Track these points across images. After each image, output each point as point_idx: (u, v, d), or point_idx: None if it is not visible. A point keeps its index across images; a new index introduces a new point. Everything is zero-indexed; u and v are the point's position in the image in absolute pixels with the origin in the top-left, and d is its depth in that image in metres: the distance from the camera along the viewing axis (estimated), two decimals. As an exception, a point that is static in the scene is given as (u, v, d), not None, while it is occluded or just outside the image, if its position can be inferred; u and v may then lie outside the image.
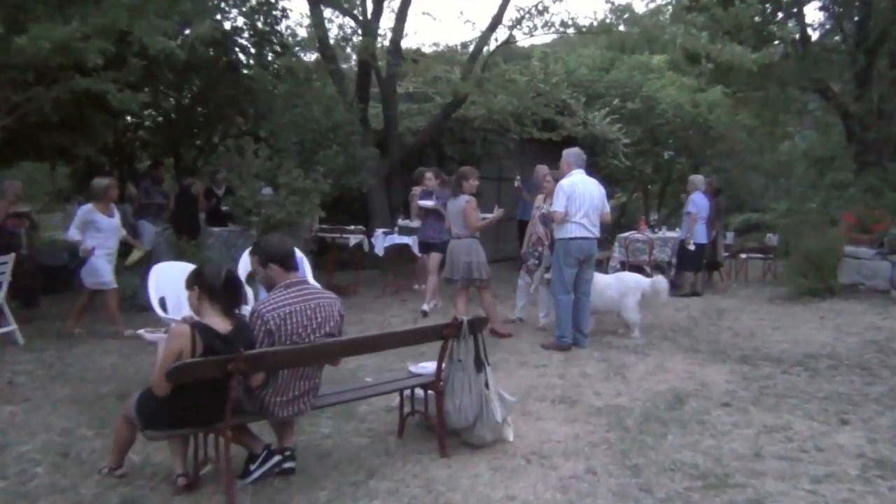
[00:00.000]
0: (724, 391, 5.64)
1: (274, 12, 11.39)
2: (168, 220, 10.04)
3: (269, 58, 12.03)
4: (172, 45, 7.51)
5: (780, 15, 13.00)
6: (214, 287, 3.56)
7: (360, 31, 10.46)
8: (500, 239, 13.00)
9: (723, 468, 4.09)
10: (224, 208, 9.87)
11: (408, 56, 12.61)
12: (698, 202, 10.45)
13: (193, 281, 3.64)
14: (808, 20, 13.00)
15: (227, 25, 12.82)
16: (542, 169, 9.93)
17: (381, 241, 9.41)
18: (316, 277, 10.33)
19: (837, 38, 13.25)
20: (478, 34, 11.76)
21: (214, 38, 12.86)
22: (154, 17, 7.45)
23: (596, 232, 7.03)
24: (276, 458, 3.85)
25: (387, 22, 12.30)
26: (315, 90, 8.87)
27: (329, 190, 8.82)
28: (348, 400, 4.18)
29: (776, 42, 13.11)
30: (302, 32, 12.65)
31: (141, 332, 5.01)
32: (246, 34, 13.02)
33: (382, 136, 12.84)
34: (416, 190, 9.24)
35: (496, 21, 11.77)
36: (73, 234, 7.30)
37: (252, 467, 3.83)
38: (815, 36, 13.56)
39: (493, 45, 11.96)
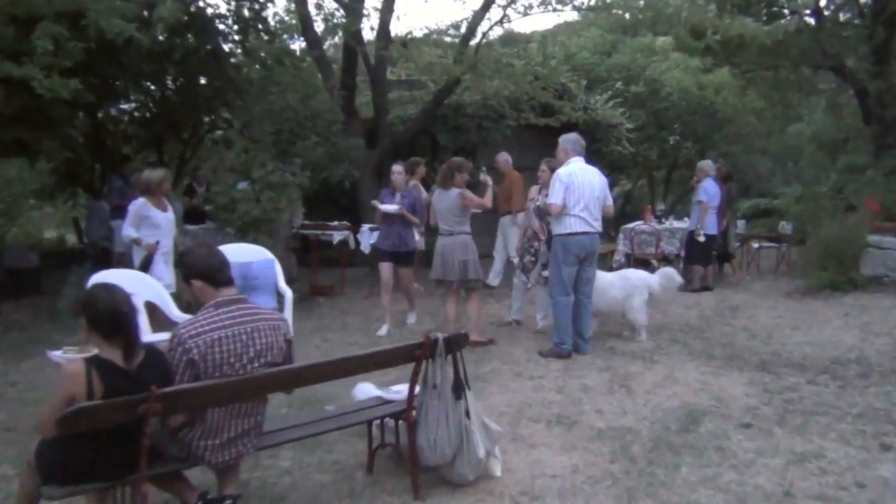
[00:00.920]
0: (743, 407, 4.97)
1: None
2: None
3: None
4: (130, 27, 6.82)
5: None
6: (100, 319, 2.89)
7: (343, 12, 9.73)
8: (492, 233, 12.30)
9: (749, 513, 3.43)
10: (198, 204, 9.22)
11: (397, 41, 11.90)
12: (709, 190, 9.74)
13: (80, 310, 2.97)
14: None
15: (209, 12, 12.20)
16: (503, 156, 9.47)
17: (368, 237, 8.73)
18: (301, 276, 9.75)
19: (850, 13, 12.45)
20: (470, 14, 11.01)
21: (193, 25, 12.28)
22: (109, -2, 6.79)
23: (597, 226, 6.34)
24: (215, 509, 3.21)
25: (374, 1, 11.61)
26: (291, 75, 8.13)
27: (308, 184, 8.15)
28: (300, 438, 3.52)
29: (786, 18, 12.34)
30: (291, 20, 11.96)
31: (55, 354, 3.95)
32: (230, 20, 12.38)
33: (372, 126, 12.15)
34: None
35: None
36: (129, 231, 6.52)
37: (185, 522, 3.19)
38: (827, 12, 12.72)
39: (486, 26, 11.21)
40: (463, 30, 11.36)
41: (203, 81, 13.24)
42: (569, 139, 6.48)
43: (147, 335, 4.64)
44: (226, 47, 12.14)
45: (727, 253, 10.78)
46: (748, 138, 20.83)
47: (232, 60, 12.43)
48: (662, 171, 22.44)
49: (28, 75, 6.45)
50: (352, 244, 9.10)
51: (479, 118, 11.84)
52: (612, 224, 16.58)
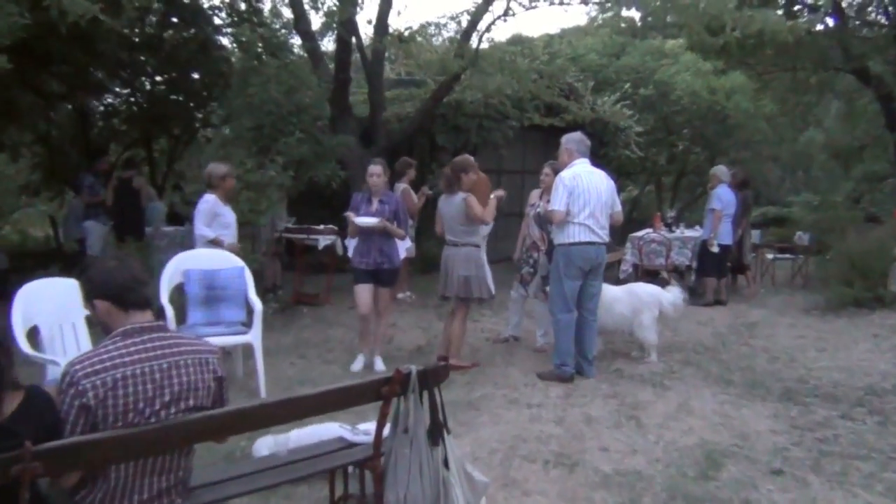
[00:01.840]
0: (770, 448, 4.31)
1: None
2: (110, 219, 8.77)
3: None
4: (94, 9, 6.20)
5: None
6: None
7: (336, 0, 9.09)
8: (499, 237, 11.64)
9: None
10: (157, 204, 8.61)
11: (395, 35, 11.30)
12: (723, 197, 9.10)
13: None
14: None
15: (204, 3, 11.64)
16: (467, 159, 8.42)
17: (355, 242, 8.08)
18: (286, 282, 9.13)
19: (878, 12, 11.78)
20: (472, 6, 10.37)
21: (182, 15, 11.70)
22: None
23: (604, 235, 5.70)
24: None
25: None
26: (275, 67, 7.49)
27: (290, 183, 7.52)
28: (240, 494, 2.87)
29: (804, 18, 11.66)
30: (288, 13, 11.35)
31: None
32: (223, 13, 11.82)
33: (368, 124, 11.53)
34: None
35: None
36: (204, 231, 6.00)
37: None
38: (849, 11, 12.06)
39: (490, 20, 10.57)
40: (464, 23, 10.73)
41: (196, 76, 12.73)
42: (572, 139, 5.83)
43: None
44: (224, 41, 11.61)
45: (742, 264, 10.11)
46: (759, 145, 20.22)
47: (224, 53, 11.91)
48: (671, 176, 21.81)
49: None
50: (339, 250, 8.46)
51: (479, 118, 11.19)
52: (620, 231, 16.00)
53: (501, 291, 7.89)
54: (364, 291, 5.98)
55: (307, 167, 7.94)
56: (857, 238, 8.74)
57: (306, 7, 10.01)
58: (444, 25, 10.26)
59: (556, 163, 6.15)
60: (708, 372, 5.99)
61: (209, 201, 6.09)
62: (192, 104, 12.99)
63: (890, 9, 11.37)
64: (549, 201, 5.83)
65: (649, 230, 10.12)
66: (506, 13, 10.18)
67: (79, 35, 8.02)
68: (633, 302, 6.28)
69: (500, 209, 6.56)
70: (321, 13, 8.59)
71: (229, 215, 6.17)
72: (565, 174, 5.61)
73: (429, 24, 10.19)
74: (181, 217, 8.98)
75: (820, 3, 11.76)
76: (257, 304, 5.39)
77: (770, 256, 11.92)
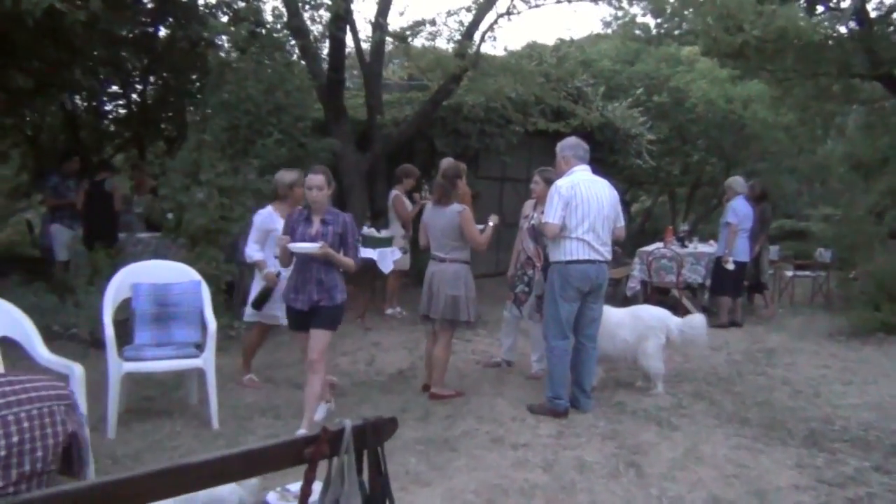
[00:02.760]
0: (794, 509, 3.66)
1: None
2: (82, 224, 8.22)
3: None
4: (52, -1, 5.66)
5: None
6: None
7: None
8: (501, 248, 11.02)
9: None
10: (138, 211, 8.04)
11: (395, 35, 10.74)
12: (739, 210, 8.43)
13: None
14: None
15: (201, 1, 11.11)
16: (446, 161, 7.60)
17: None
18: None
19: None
20: (472, 3, 9.75)
21: (174, 13, 11.18)
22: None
23: (606, 253, 5.05)
24: None
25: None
26: (254, 62, 6.90)
27: (267, 189, 6.92)
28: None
29: (824, 16, 10.95)
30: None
31: None
32: (218, 12, 11.27)
33: (366, 128, 10.96)
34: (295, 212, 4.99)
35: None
36: (253, 251, 5.33)
37: None
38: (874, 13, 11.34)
39: (493, 18, 9.97)
40: (466, 22, 10.12)
41: (194, 77, 12.23)
42: (567, 144, 5.20)
43: None
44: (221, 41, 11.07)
45: (759, 283, 9.44)
46: (776, 156, 19.51)
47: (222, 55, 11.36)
48: (685, 188, 21.12)
49: None
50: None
51: (480, 122, 10.57)
52: (629, 244, 15.32)
53: (497, 309, 7.27)
54: (304, 340, 4.64)
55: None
56: (886, 257, 8.05)
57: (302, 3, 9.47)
58: (444, 23, 9.61)
59: (547, 170, 5.55)
60: (721, 408, 5.33)
61: (263, 214, 5.35)
62: (191, 107, 12.51)
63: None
64: (542, 212, 5.19)
65: (660, 244, 9.46)
66: (509, 11, 9.58)
67: (50, 28, 7.51)
68: (638, 327, 5.63)
69: (502, 219, 5.95)
70: (309, 6, 7.93)
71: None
72: (562, 182, 4.97)
73: (424, 20, 9.51)
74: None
75: (844, 5, 11.09)
76: (211, 323, 4.78)
77: (789, 273, 11.23)
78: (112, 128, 12.94)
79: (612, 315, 5.63)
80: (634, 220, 22.74)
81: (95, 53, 8.90)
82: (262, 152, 6.82)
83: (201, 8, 10.84)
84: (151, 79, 12.96)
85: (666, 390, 5.67)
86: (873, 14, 10.91)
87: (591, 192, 4.93)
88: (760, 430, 4.85)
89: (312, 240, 4.44)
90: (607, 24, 26.07)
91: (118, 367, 4.50)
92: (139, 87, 13.20)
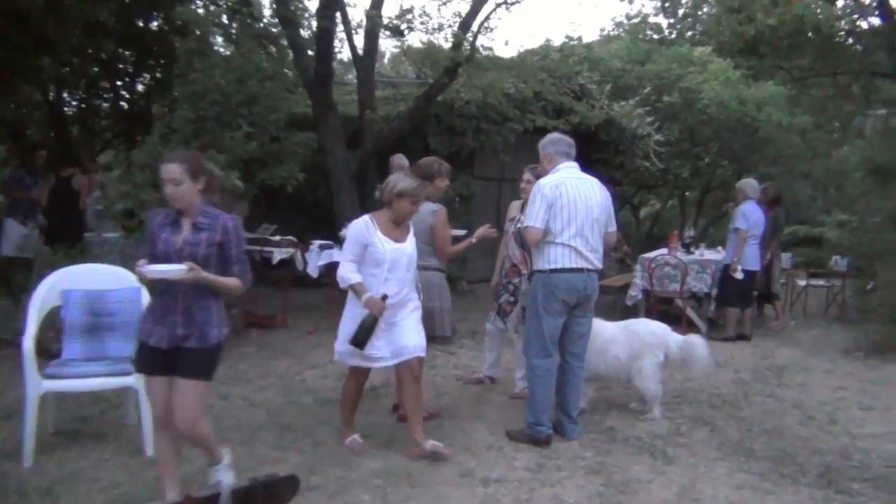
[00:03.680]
0: (806, 571, 3.08)
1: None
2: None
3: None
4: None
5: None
6: None
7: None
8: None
9: None
10: (98, 208, 7.54)
11: (390, 27, 10.22)
12: (750, 215, 7.84)
13: None
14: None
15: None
16: (397, 159, 7.09)
17: (316, 257, 6.96)
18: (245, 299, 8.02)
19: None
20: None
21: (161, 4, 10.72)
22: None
23: (595, 260, 4.48)
24: None
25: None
26: (215, 51, 6.37)
27: (233, 186, 6.39)
28: None
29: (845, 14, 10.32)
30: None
31: None
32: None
33: (357, 124, 10.44)
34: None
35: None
36: (350, 272, 4.06)
37: None
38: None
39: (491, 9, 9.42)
40: (463, 12, 9.57)
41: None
42: (549, 140, 4.65)
43: None
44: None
45: (770, 293, 8.82)
46: (790, 161, 18.87)
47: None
48: (696, 191, 20.49)
49: None
50: (299, 265, 7.34)
51: (477, 119, 10.02)
52: (636, 248, 14.70)
53: (483, 321, 6.70)
54: (158, 388, 3.31)
55: (261, 168, 6.82)
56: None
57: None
58: (439, 13, 9.07)
59: (539, 167, 4.96)
60: (724, 436, 4.75)
61: (359, 225, 4.16)
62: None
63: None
64: (528, 215, 4.62)
65: (663, 251, 8.87)
66: (507, 0, 9.03)
67: (9, 13, 7.03)
68: (633, 343, 5.05)
69: (494, 224, 5.39)
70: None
71: (388, 249, 4.10)
72: (546, 182, 4.41)
73: (414, 11, 8.98)
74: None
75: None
76: (147, 335, 4.24)
77: (802, 283, 10.61)
78: (104, 123, 12.47)
79: (604, 329, 5.06)
80: (643, 224, 22.15)
81: (78, 43, 8.40)
82: (231, 146, 6.29)
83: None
84: (147, 75, 12.57)
85: (663, 414, 5.10)
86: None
87: (578, 192, 4.36)
88: (768, 464, 4.27)
89: (177, 252, 3.19)
90: (619, 25, 25.58)
91: (36, 385, 3.97)
92: (130, 81, 12.83)
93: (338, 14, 9.74)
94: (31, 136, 13.12)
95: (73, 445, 4.27)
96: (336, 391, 5.45)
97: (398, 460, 4.17)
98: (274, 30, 10.08)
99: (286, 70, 7.49)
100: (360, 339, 4.01)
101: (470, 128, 10.04)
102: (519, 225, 5.22)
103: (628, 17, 24.73)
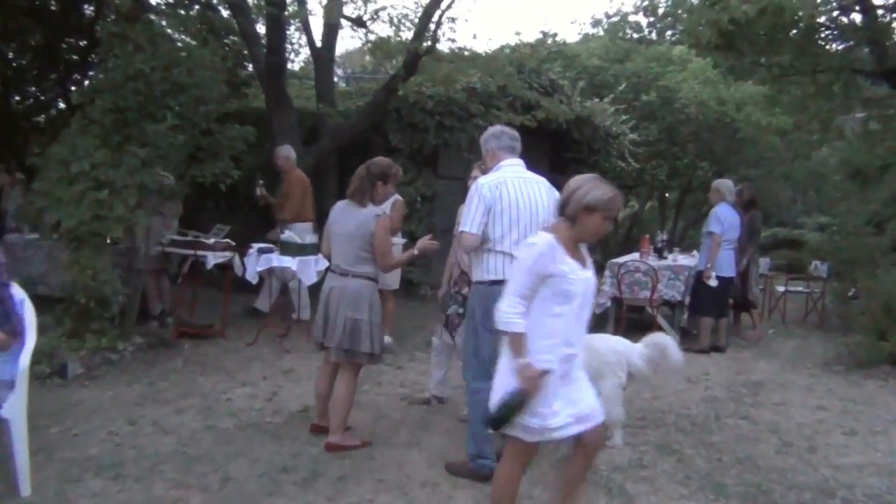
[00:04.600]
0: None
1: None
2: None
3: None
4: None
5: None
6: None
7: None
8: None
9: None
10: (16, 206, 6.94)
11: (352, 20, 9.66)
12: (724, 218, 7.35)
13: None
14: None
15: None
16: (284, 151, 7.24)
17: (255, 262, 6.36)
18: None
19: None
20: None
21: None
22: None
23: (545, 270, 3.92)
24: None
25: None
26: (146, 32, 5.73)
27: (154, 184, 5.80)
28: None
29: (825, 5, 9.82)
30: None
31: None
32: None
33: (315, 119, 9.87)
34: None
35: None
36: (513, 316, 2.89)
37: None
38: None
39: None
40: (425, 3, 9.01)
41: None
42: (491, 134, 4.08)
43: None
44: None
45: (746, 300, 8.33)
46: (770, 162, 18.51)
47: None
48: (675, 192, 20.09)
49: None
50: (237, 269, 6.74)
51: (440, 115, 9.46)
52: (610, 251, 14.21)
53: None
54: None
55: (196, 164, 6.21)
56: (890, 275, 6.96)
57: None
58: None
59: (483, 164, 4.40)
60: (692, 467, 4.22)
61: (539, 247, 2.91)
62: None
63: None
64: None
65: (635, 255, 8.36)
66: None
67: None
68: (592, 362, 4.46)
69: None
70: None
71: (581, 278, 2.99)
72: (485, 181, 3.85)
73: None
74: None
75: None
76: (23, 357, 3.65)
77: (781, 289, 10.16)
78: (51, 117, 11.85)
79: None
80: (622, 225, 21.71)
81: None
82: (155, 139, 5.68)
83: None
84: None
85: (625, 439, 4.56)
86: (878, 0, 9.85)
87: (521, 193, 3.80)
88: (739, 502, 3.74)
89: None
90: (598, 23, 25.18)
91: None
92: (81, 74, 12.18)
93: (295, 3, 9.17)
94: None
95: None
96: (262, 415, 4.90)
97: (316, 502, 3.60)
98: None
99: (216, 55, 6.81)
100: (502, 417, 2.91)
101: (432, 124, 9.49)
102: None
103: (608, 16, 24.42)
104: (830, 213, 20.28)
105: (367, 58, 13.60)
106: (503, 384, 2.93)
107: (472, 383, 3.93)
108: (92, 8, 11.10)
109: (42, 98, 12.88)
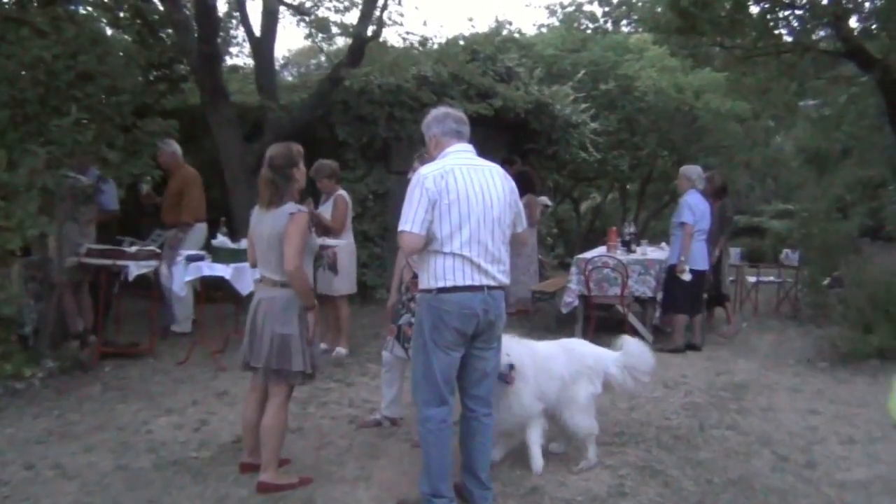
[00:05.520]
0: None
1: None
2: None
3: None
4: None
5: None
6: None
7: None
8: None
9: None
10: None
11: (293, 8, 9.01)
12: (695, 206, 6.86)
13: None
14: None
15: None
16: (170, 147, 6.58)
17: (182, 271, 5.69)
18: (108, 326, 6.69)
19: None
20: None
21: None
22: None
23: (499, 273, 3.33)
24: None
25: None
26: (47, 16, 5.04)
27: (62, 185, 5.11)
28: None
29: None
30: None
31: None
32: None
33: (257, 114, 9.20)
34: None
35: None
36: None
37: None
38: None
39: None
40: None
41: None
42: (434, 118, 3.49)
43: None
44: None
45: (720, 294, 7.87)
46: (729, 150, 18.29)
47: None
48: (635, 183, 19.76)
49: None
50: (164, 280, 6.06)
51: (390, 105, 8.85)
52: (572, 246, 13.73)
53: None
54: None
55: (112, 165, 5.52)
56: (876, 266, 6.55)
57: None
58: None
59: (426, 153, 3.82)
60: (679, 493, 3.68)
61: None
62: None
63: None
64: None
65: (602, 249, 7.85)
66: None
67: None
68: (573, 364, 3.98)
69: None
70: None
71: None
72: (427, 171, 3.27)
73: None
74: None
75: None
76: None
77: (752, 279, 9.76)
78: None
79: (539, 346, 4.02)
80: (584, 218, 21.32)
81: None
82: (59, 136, 4.98)
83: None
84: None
85: (603, 460, 4.02)
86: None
87: (471, 183, 3.22)
88: (738, 538, 3.22)
89: None
90: (553, 13, 24.80)
91: None
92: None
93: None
94: None
95: None
96: (187, 448, 4.24)
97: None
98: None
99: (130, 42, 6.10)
100: None
101: (382, 115, 8.86)
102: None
103: (562, 6, 24.04)
104: (790, 200, 20.20)
105: (322, 57, 12.91)
106: None
107: (422, 409, 3.33)
108: None
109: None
